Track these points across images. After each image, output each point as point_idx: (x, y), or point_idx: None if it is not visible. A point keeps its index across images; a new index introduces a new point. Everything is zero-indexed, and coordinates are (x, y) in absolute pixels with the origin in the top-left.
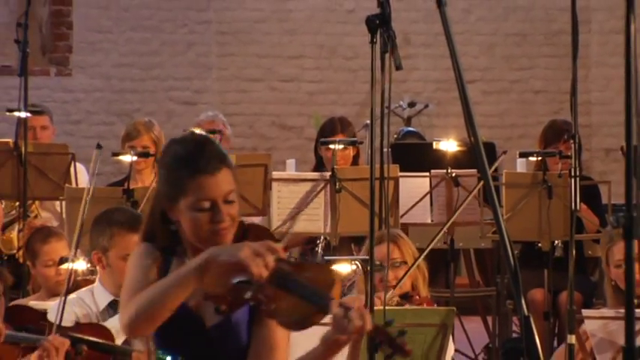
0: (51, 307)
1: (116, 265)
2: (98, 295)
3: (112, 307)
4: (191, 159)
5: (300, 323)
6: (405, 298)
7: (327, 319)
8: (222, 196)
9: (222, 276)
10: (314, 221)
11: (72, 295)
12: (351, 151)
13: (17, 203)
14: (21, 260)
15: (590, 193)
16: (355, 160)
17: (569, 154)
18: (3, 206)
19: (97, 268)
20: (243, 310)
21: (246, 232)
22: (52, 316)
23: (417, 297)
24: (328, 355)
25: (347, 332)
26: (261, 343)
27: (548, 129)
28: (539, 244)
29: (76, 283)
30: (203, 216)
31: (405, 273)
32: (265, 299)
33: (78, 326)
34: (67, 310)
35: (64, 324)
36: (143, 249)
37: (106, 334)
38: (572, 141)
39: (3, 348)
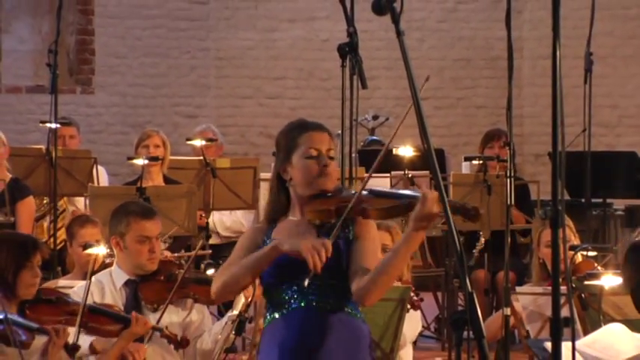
0: (73, 290)
1: (132, 247)
2: (115, 276)
3: (128, 285)
4: (302, 122)
5: (394, 213)
6: None
7: None
8: (325, 148)
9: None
10: None
11: (93, 278)
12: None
13: (47, 199)
14: (52, 246)
15: (522, 192)
16: None
17: (505, 158)
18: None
19: (115, 251)
20: (341, 239)
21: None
22: (74, 296)
23: (400, 280)
24: (411, 238)
25: (431, 204)
26: (360, 252)
27: (484, 136)
28: (481, 233)
29: (103, 265)
30: (312, 162)
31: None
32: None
33: (95, 304)
34: (81, 291)
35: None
36: (249, 230)
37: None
38: (507, 147)
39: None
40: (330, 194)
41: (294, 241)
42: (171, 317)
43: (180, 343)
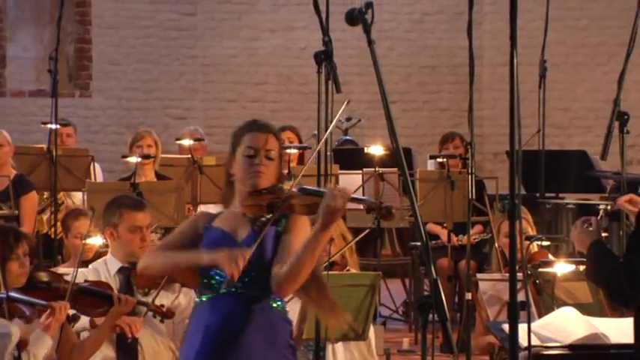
0: (68, 277)
1: (124, 237)
2: (110, 264)
3: (121, 272)
4: (251, 123)
5: (314, 209)
6: (331, 265)
7: None
8: (263, 149)
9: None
10: None
11: (89, 267)
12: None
13: (48, 194)
14: (52, 237)
15: (480, 187)
16: (301, 160)
17: (467, 156)
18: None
19: (109, 241)
20: (270, 229)
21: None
22: (69, 278)
23: (339, 264)
24: (322, 229)
25: (334, 200)
26: (284, 245)
27: (440, 139)
28: (445, 225)
29: (98, 254)
30: (247, 160)
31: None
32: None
33: (87, 282)
34: (81, 277)
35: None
36: (195, 216)
37: (106, 286)
38: (462, 147)
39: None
40: (264, 191)
41: (213, 254)
42: (162, 300)
43: (166, 314)
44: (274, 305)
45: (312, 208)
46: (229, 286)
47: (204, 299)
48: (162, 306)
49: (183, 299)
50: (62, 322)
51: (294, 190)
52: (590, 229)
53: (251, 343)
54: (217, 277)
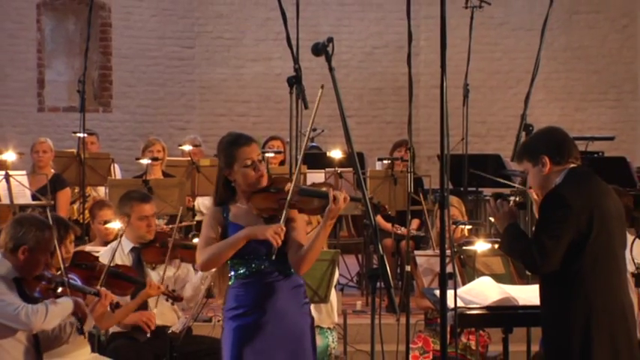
0: (100, 253)
1: (135, 224)
2: (124, 244)
3: (133, 251)
4: (235, 139)
5: (318, 209)
6: None
7: None
8: (256, 157)
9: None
10: None
11: (107, 246)
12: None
13: (77, 188)
14: (81, 222)
15: (417, 183)
16: (282, 162)
17: (407, 159)
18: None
19: (123, 227)
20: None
21: (273, 181)
22: (101, 259)
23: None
24: (328, 223)
25: (337, 203)
26: (292, 232)
27: (393, 145)
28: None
29: (116, 236)
30: (249, 170)
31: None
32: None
33: (117, 266)
34: (105, 255)
35: (104, 262)
36: (210, 212)
37: (132, 271)
38: (408, 151)
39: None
40: (269, 189)
41: (261, 229)
42: (167, 273)
43: (176, 298)
44: (291, 274)
45: (310, 205)
46: (274, 253)
47: (240, 280)
48: (174, 291)
49: (181, 271)
50: (106, 307)
51: (296, 190)
52: (506, 210)
53: (284, 302)
54: (257, 261)
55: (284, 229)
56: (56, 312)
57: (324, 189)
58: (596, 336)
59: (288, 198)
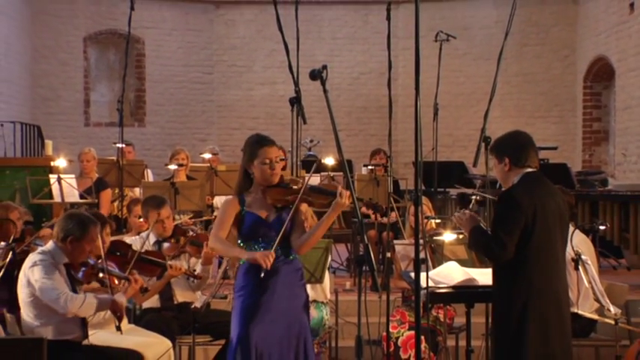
0: (133, 240)
1: (153, 226)
2: (150, 237)
3: (157, 244)
4: (261, 139)
5: (324, 204)
6: None
7: None
8: (275, 156)
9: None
10: None
11: (138, 235)
12: (282, 163)
13: (117, 189)
14: (119, 216)
15: (396, 184)
16: (284, 168)
17: (387, 165)
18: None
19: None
20: (286, 213)
21: (288, 181)
22: (134, 246)
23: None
24: (332, 215)
25: (342, 199)
26: (297, 222)
27: (370, 153)
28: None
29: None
30: (266, 167)
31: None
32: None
33: (147, 252)
34: (137, 243)
35: (137, 248)
36: (228, 200)
37: (160, 256)
38: (387, 158)
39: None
40: (282, 185)
41: (251, 254)
42: (182, 263)
43: (196, 276)
44: (292, 258)
45: (318, 200)
46: (266, 273)
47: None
48: (195, 270)
49: (192, 262)
50: (137, 290)
51: (307, 188)
52: (467, 217)
53: (286, 282)
54: (262, 244)
55: (274, 255)
56: (92, 303)
57: (331, 188)
58: (531, 313)
59: (301, 193)
